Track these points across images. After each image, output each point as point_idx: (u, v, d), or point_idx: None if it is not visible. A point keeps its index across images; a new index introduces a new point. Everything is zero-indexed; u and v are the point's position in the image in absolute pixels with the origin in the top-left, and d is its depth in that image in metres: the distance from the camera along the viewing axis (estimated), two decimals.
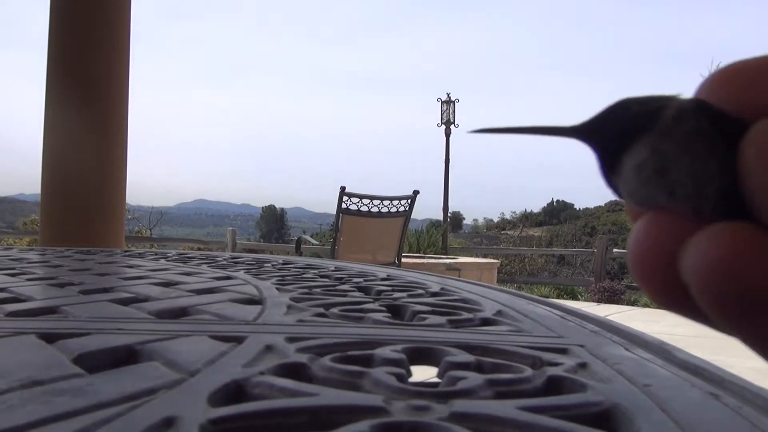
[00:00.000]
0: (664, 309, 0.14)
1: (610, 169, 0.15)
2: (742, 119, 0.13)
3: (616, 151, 0.14)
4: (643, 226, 0.13)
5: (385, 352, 0.26)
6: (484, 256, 7.89)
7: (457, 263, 5.07)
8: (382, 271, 0.70)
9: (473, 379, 0.22)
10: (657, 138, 0.14)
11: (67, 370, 0.23)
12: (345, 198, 4.03)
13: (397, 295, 0.48)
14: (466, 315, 0.39)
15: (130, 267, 0.71)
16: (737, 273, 0.11)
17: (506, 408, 0.19)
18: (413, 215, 4.25)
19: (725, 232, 0.12)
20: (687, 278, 0.12)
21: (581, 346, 0.30)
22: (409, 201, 4.16)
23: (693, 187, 0.13)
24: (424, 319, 0.37)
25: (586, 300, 6.10)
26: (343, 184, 4.01)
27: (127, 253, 0.99)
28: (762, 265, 0.11)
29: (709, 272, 0.12)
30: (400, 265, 4.17)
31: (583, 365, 0.26)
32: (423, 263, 4.92)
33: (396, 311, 0.41)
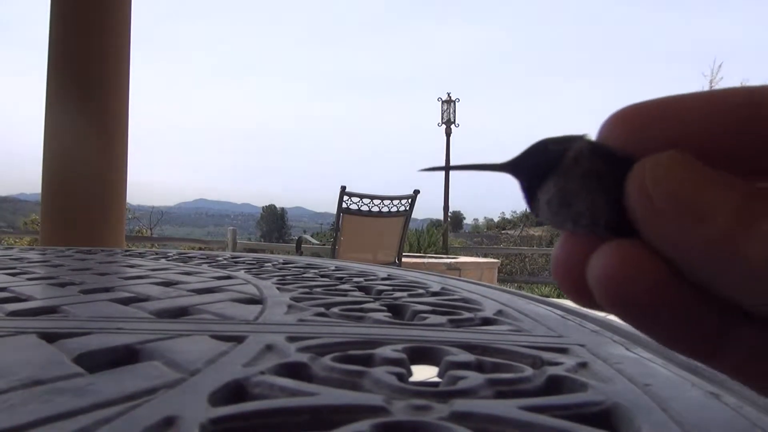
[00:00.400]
0: (578, 305, 0.17)
1: (531, 200, 0.18)
2: (632, 157, 0.16)
3: (534, 185, 0.17)
4: (560, 243, 0.17)
5: (386, 351, 0.26)
6: (485, 256, 7.88)
7: (457, 263, 5.07)
8: (382, 271, 0.70)
9: (474, 378, 0.22)
10: (561, 177, 0.17)
11: (67, 370, 0.23)
12: (345, 197, 4.03)
13: (397, 294, 0.48)
14: (466, 314, 0.39)
15: (131, 267, 0.71)
16: (622, 283, 0.15)
17: (507, 407, 0.19)
18: (413, 215, 4.25)
19: (615, 250, 0.15)
20: (590, 285, 0.16)
21: (582, 345, 0.30)
22: (410, 200, 4.16)
23: (590, 218, 0.16)
24: (425, 318, 0.37)
25: None
26: (343, 184, 4.02)
27: (127, 253, 0.99)
28: (642, 276, 0.15)
29: (602, 282, 0.15)
30: (400, 264, 4.17)
31: (583, 365, 0.26)
32: (423, 263, 4.92)
33: (396, 311, 0.41)
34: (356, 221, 4.05)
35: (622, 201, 0.16)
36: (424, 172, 0.21)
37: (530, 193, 0.18)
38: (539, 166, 0.17)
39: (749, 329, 0.15)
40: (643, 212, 0.15)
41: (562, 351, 0.29)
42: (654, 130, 0.16)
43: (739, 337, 0.15)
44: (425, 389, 0.20)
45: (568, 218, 0.17)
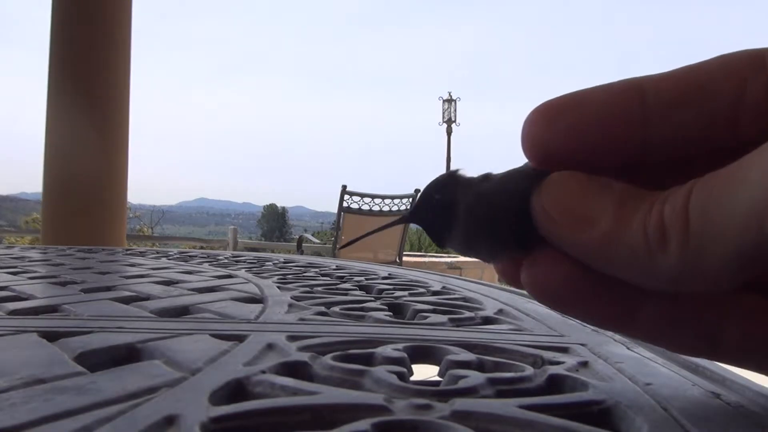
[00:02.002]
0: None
1: (440, 242, 0.21)
2: (516, 182, 0.19)
3: (440, 229, 0.21)
4: (500, 269, 0.21)
5: (386, 350, 0.26)
6: None
7: (458, 262, 5.07)
8: (383, 270, 0.70)
9: (474, 377, 0.22)
10: (462, 227, 0.20)
11: (68, 369, 0.23)
12: (346, 196, 4.04)
13: (398, 293, 0.48)
14: (467, 314, 0.39)
15: (132, 266, 0.71)
16: (542, 286, 0.19)
17: (507, 407, 0.19)
18: None
19: (534, 265, 0.19)
20: (524, 286, 0.19)
21: (582, 344, 0.30)
22: (411, 199, 4.16)
23: (499, 248, 0.20)
24: (426, 317, 0.37)
25: None
26: (344, 183, 4.02)
27: (128, 252, 0.99)
28: (554, 278, 0.18)
29: (530, 286, 0.19)
30: (401, 263, 4.17)
31: (584, 364, 0.26)
32: (424, 262, 4.92)
33: (397, 310, 0.41)
34: (357, 220, 4.04)
35: (524, 220, 0.19)
36: (343, 248, 0.29)
37: (437, 236, 0.21)
38: (435, 216, 0.21)
39: (658, 303, 0.18)
40: (544, 225, 0.18)
41: (563, 350, 0.29)
42: (562, 123, 0.19)
43: (648, 310, 0.18)
44: (426, 388, 0.20)
45: (482, 252, 0.20)
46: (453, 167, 0.21)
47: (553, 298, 0.19)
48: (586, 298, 0.19)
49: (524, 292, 0.53)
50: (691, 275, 0.16)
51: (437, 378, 0.24)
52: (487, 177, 0.20)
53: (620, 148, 0.18)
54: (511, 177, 0.20)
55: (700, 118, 0.17)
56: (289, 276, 0.60)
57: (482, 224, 0.20)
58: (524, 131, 0.19)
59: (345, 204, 4.05)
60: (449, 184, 0.21)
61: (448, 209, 0.20)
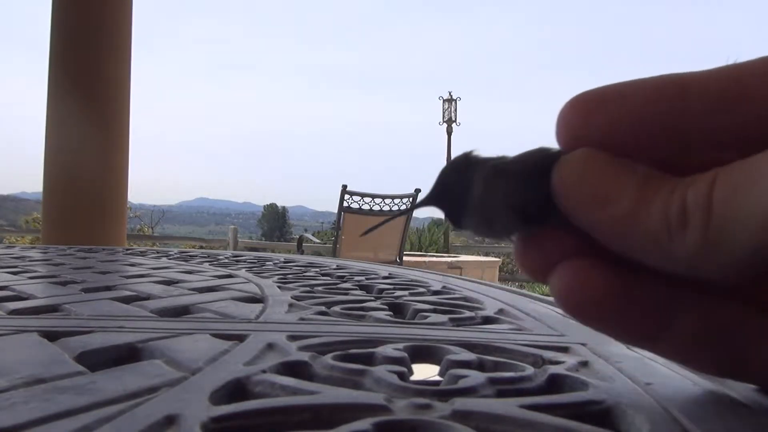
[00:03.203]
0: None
1: (456, 220, 0.21)
2: (530, 159, 0.19)
3: (458, 209, 0.20)
4: (519, 250, 0.20)
5: (387, 350, 0.26)
6: (486, 255, 7.88)
7: (458, 261, 5.07)
8: (383, 270, 0.70)
9: (475, 377, 0.22)
10: (478, 197, 0.20)
11: (69, 368, 0.23)
12: (347, 196, 4.04)
13: (398, 293, 0.48)
14: (467, 313, 0.39)
15: (132, 265, 0.71)
16: (575, 303, 0.19)
17: (508, 406, 0.19)
18: (414, 213, 4.25)
19: (567, 275, 0.19)
20: (553, 298, 0.19)
21: (583, 344, 0.30)
22: (411, 199, 4.16)
23: (513, 228, 0.20)
24: (426, 317, 0.37)
25: None
26: (344, 183, 4.02)
27: (128, 252, 0.99)
28: (589, 295, 0.18)
29: (562, 301, 0.19)
30: (401, 263, 4.17)
31: (584, 363, 0.26)
32: (424, 261, 4.92)
33: (397, 309, 0.41)
34: (357, 220, 4.05)
35: (542, 192, 0.18)
36: (363, 235, 0.29)
37: (454, 217, 0.21)
38: (452, 197, 0.20)
39: (691, 318, 0.18)
40: (563, 200, 0.18)
41: (563, 350, 0.29)
42: (601, 115, 0.18)
43: (682, 326, 0.18)
44: (426, 388, 0.20)
45: (497, 228, 0.20)
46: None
47: (586, 314, 0.19)
48: (621, 313, 0.19)
49: (525, 291, 0.53)
50: (706, 261, 0.16)
51: (437, 378, 0.24)
52: (503, 157, 0.20)
53: (657, 145, 0.18)
54: (531, 153, 0.19)
55: (742, 121, 0.17)
56: (290, 276, 0.60)
57: (498, 194, 0.19)
58: (560, 122, 0.19)
59: (345, 204, 4.05)
60: (464, 164, 0.20)
61: (465, 188, 0.20)
